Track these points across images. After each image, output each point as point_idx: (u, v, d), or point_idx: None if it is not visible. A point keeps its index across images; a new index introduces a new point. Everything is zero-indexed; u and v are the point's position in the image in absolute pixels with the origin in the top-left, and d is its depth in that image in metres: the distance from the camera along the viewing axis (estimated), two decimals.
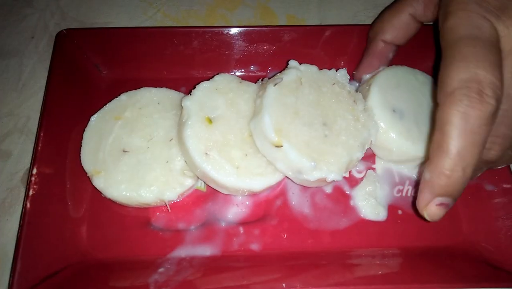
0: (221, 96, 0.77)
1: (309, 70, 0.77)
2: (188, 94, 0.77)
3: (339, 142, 0.73)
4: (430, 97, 0.81)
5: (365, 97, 0.78)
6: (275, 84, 0.72)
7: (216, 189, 0.77)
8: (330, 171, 0.70)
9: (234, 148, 0.73)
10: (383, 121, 0.76)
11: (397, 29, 0.79)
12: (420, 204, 0.59)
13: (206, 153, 0.71)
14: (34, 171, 0.72)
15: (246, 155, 0.73)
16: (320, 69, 0.80)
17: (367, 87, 0.80)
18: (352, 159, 0.73)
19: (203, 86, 0.77)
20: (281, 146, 0.68)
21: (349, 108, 0.77)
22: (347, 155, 0.72)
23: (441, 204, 0.58)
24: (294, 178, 0.73)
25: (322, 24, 1.01)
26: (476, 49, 0.54)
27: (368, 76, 0.84)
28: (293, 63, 0.77)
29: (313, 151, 0.70)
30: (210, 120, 0.74)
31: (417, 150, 0.75)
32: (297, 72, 0.75)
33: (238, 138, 0.74)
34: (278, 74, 0.76)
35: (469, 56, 0.54)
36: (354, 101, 0.78)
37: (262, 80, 0.80)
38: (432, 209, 0.59)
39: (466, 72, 0.53)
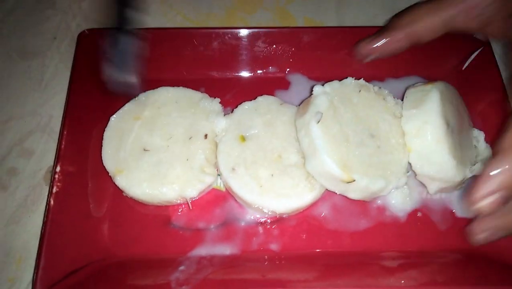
0: (259, 116, 0.80)
1: (334, 88, 0.75)
2: (206, 94, 0.83)
3: (392, 148, 0.73)
4: (469, 127, 0.80)
5: (419, 101, 0.73)
6: (318, 121, 0.70)
7: (243, 205, 0.78)
8: (398, 179, 0.71)
9: (262, 167, 0.75)
10: (438, 130, 0.69)
11: (426, 29, 0.76)
12: (478, 195, 0.59)
13: (233, 169, 0.74)
14: (58, 169, 0.73)
15: (272, 175, 0.74)
16: (339, 71, 0.80)
17: (423, 92, 0.74)
18: (407, 156, 0.73)
19: (244, 106, 0.81)
20: (354, 181, 0.68)
21: (383, 108, 0.77)
22: (404, 156, 0.73)
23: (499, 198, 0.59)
24: (365, 198, 0.74)
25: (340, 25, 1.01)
26: None
27: (419, 85, 0.78)
28: (318, 88, 0.74)
29: (378, 169, 0.70)
30: (243, 138, 0.77)
31: (456, 172, 0.70)
32: (328, 96, 0.73)
33: (267, 158, 0.76)
34: (309, 102, 0.74)
35: None
36: (384, 99, 0.78)
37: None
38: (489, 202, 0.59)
39: None
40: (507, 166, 0.57)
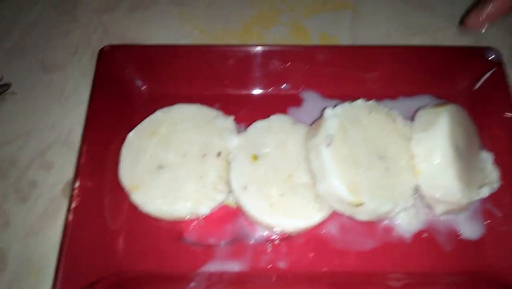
0: (271, 135, 0.81)
1: (344, 110, 0.76)
2: (220, 111, 0.86)
3: (401, 170, 0.75)
4: (478, 149, 0.80)
5: (429, 124, 0.75)
6: (328, 144, 0.71)
7: (253, 223, 0.80)
8: (406, 201, 0.73)
9: (273, 186, 0.76)
10: (445, 154, 0.71)
11: None
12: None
13: (245, 187, 0.76)
14: (77, 184, 0.75)
15: (282, 194, 0.76)
16: (352, 89, 0.84)
17: (433, 115, 0.76)
18: (415, 179, 0.74)
19: (257, 125, 0.82)
20: (362, 204, 0.70)
21: (393, 130, 0.78)
22: (412, 178, 0.74)
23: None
24: (373, 219, 0.75)
25: (354, 43, 1.02)
26: None
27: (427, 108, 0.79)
28: (329, 111, 0.75)
29: (386, 191, 0.72)
30: (255, 157, 0.79)
31: (462, 196, 0.71)
32: (338, 119, 0.74)
33: (278, 177, 0.77)
34: (320, 124, 0.75)
35: None
36: (394, 120, 0.79)
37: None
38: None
39: None
40: None
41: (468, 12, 0.80)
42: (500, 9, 0.77)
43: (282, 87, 0.94)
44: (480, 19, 0.78)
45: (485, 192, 0.76)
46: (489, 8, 0.77)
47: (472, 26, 0.80)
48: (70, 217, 0.73)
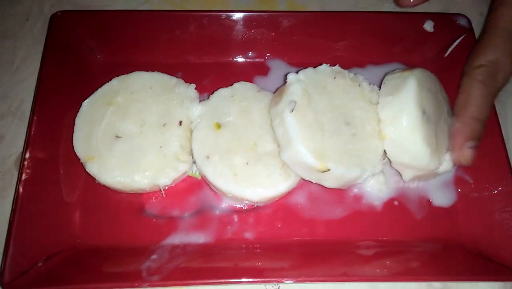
0: (235, 103, 0.78)
1: (308, 75, 0.73)
2: (181, 79, 0.82)
3: (368, 135, 0.73)
4: (448, 114, 0.78)
5: (396, 88, 0.72)
6: (292, 110, 0.68)
7: (218, 194, 0.77)
8: (374, 166, 0.71)
9: (237, 155, 0.74)
10: (413, 118, 0.68)
11: None
12: (456, 150, 0.73)
13: (207, 156, 0.73)
14: (27, 155, 0.71)
15: (247, 163, 0.73)
16: (320, 57, 0.80)
17: (400, 79, 0.73)
18: (383, 143, 0.72)
19: (220, 93, 0.79)
20: (328, 170, 0.67)
21: (358, 95, 0.75)
22: (380, 143, 0.72)
23: (471, 147, 0.72)
24: (341, 186, 0.74)
25: (322, 10, 0.99)
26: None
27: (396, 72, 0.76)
28: (292, 76, 0.72)
29: (353, 157, 0.70)
30: (218, 126, 0.76)
31: (430, 161, 0.70)
32: (302, 84, 0.71)
33: (242, 146, 0.75)
34: (283, 90, 0.73)
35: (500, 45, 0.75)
36: (359, 85, 0.76)
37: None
38: (466, 152, 0.72)
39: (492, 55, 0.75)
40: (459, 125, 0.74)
41: None
42: None
43: (248, 55, 0.91)
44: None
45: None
46: None
47: (404, 4, 0.92)
48: (21, 189, 0.69)
